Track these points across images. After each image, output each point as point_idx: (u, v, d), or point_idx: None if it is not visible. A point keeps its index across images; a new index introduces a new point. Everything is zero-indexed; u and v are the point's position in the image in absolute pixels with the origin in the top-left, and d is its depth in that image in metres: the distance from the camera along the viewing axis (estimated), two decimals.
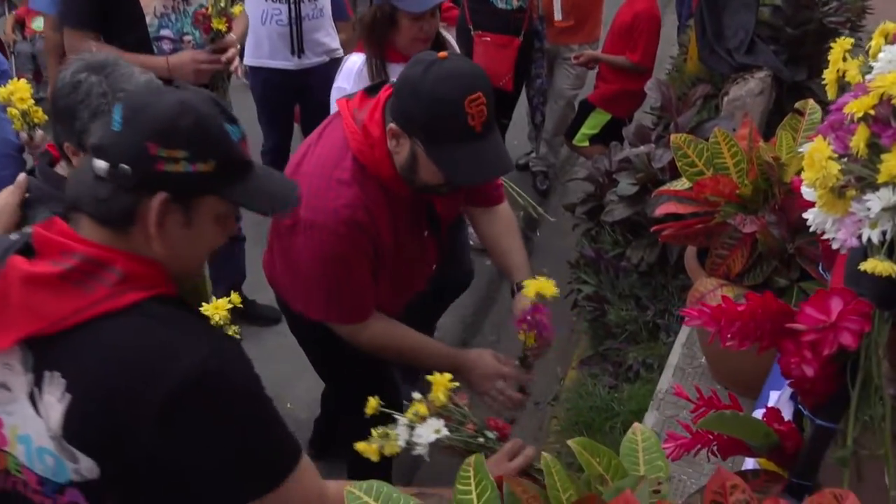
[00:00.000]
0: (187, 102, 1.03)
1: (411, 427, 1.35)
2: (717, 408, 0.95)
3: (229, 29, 2.34)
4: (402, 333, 1.87)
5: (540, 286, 1.70)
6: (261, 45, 3.35)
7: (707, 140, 1.75)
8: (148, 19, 2.28)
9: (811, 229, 0.91)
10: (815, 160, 0.80)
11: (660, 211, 1.77)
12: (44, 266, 0.99)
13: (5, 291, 0.98)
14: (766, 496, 0.93)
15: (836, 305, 0.74)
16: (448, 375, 1.39)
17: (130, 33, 2.28)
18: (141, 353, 1.01)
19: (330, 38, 3.43)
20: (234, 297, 1.52)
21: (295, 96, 3.63)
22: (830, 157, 0.79)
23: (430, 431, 1.33)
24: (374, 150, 1.64)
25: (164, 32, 2.32)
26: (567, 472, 0.85)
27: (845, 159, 0.82)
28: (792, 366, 0.80)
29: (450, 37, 2.31)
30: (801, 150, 1.43)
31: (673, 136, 1.74)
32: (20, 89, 1.84)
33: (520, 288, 1.88)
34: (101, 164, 1.01)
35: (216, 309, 1.47)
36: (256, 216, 1.22)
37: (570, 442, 0.92)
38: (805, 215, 0.91)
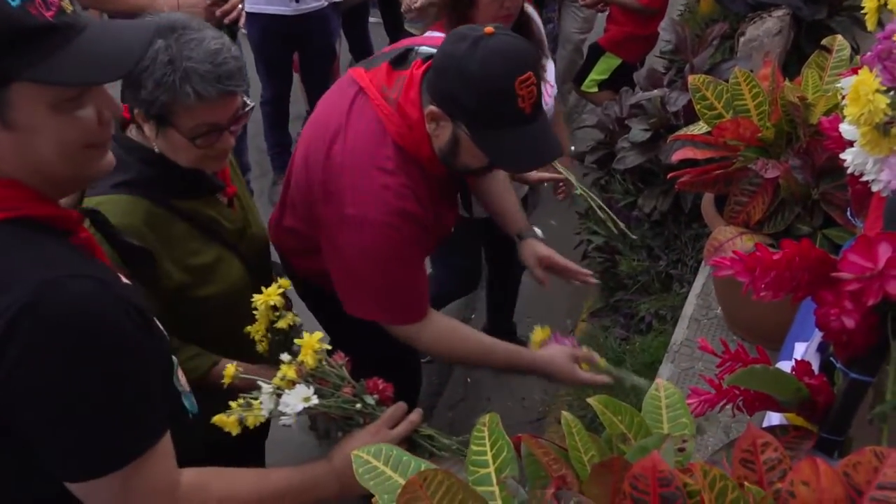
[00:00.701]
0: None
1: (278, 395, 1.21)
2: (745, 362, 0.90)
3: None
4: (467, 335, 1.75)
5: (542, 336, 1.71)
6: None
7: (726, 81, 1.67)
8: None
9: (850, 171, 0.85)
10: (860, 94, 0.73)
11: (676, 157, 1.70)
12: None
13: None
14: (797, 452, 0.89)
15: (885, 251, 0.68)
16: (318, 335, 1.26)
17: None
18: None
19: None
20: (284, 281, 1.40)
21: (293, 44, 3.53)
22: (878, 90, 0.72)
23: (299, 399, 1.19)
24: (413, 132, 1.53)
25: None
26: (588, 433, 0.80)
27: (893, 92, 0.75)
28: (831, 317, 0.74)
29: (534, 12, 2.08)
30: (836, 85, 1.35)
31: (691, 78, 1.66)
32: None
33: (521, 238, 1.97)
34: None
35: (268, 297, 1.34)
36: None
37: (590, 400, 0.87)
38: (843, 155, 0.85)
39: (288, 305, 1.39)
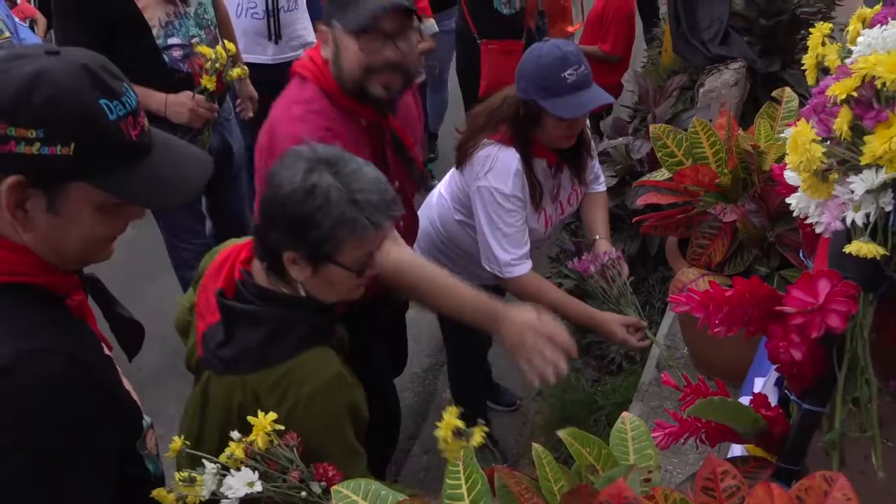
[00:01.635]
0: (45, 74, 0.89)
1: (222, 475, 1.16)
2: (704, 395, 0.95)
3: (218, 90, 2.33)
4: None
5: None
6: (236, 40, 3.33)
7: (685, 130, 1.76)
8: (154, 31, 2.27)
9: (794, 214, 0.91)
10: (798, 143, 0.80)
11: (640, 202, 1.77)
12: None
13: None
14: (755, 481, 0.93)
15: (824, 287, 0.74)
16: (272, 415, 1.20)
17: (136, 45, 2.27)
18: None
19: (306, 31, 3.41)
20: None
21: (270, 91, 3.59)
22: (814, 140, 0.79)
23: (243, 483, 1.14)
24: (322, 69, 1.70)
25: (172, 41, 2.30)
26: (558, 464, 0.84)
27: (828, 142, 0.82)
28: (780, 350, 0.80)
29: (587, 132, 2.10)
30: (782, 135, 1.43)
31: (652, 127, 1.75)
32: None
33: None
34: None
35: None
36: None
37: (560, 432, 0.91)
38: (788, 200, 0.91)
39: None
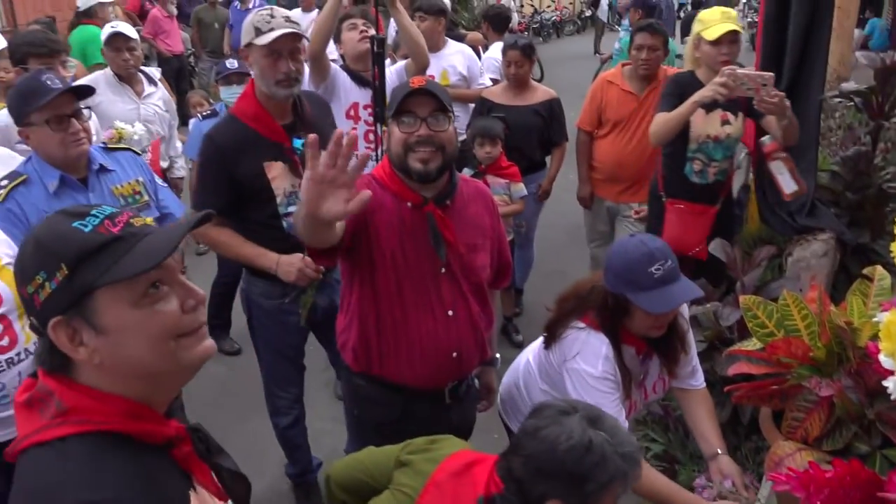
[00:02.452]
0: (35, 234, 1.04)
1: None
2: None
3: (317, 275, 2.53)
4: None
5: None
6: None
7: (775, 301, 1.79)
8: (278, 199, 2.53)
9: (892, 397, 0.94)
10: (891, 332, 0.84)
11: (732, 371, 1.78)
12: (21, 393, 1.06)
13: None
14: None
15: None
16: None
17: (262, 212, 2.55)
18: (41, 484, 0.98)
19: None
20: None
21: None
22: None
23: None
24: (382, 164, 2.07)
25: (292, 209, 2.52)
26: None
27: None
28: None
29: (684, 313, 2.21)
30: (876, 318, 1.45)
31: (742, 298, 1.79)
32: None
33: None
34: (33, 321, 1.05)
35: None
36: None
37: None
38: (885, 383, 0.94)
39: None
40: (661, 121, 3.14)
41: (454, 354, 2.13)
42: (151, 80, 4.27)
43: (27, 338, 2.10)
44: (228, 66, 4.27)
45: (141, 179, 2.62)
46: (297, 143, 2.52)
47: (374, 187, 2.04)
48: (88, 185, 2.46)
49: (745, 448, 2.50)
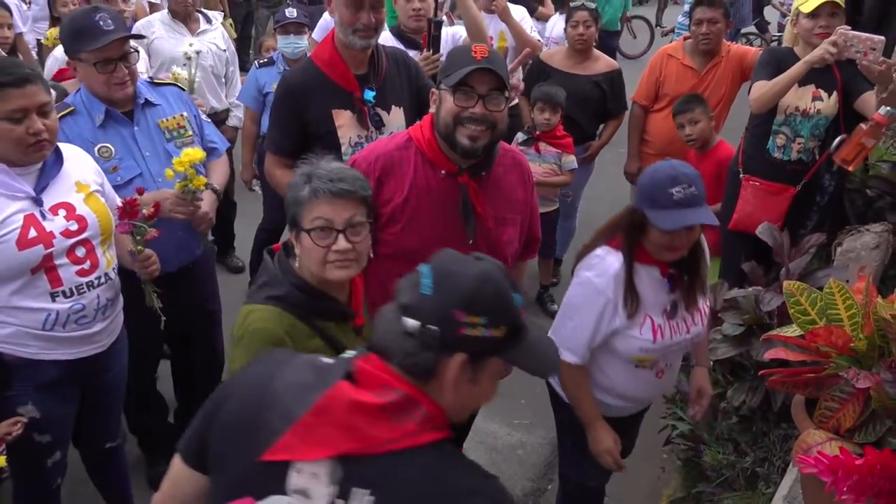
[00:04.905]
0: (488, 273, 1.19)
1: None
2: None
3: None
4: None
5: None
6: None
7: (820, 289, 1.76)
8: (343, 148, 2.55)
9: None
10: None
11: (769, 356, 1.76)
12: (368, 396, 1.15)
13: (330, 409, 1.14)
14: None
15: None
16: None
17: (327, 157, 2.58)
18: (439, 487, 1.14)
19: None
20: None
21: None
22: None
23: None
24: (422, 127, 2.10)
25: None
26: None
27: None
28: None
29: (705, 243, 2.21)
30: None
31: (786, 283, 1.76)
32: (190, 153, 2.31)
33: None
34: (411, 323, 1.17)
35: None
36: None
37: None
38: None
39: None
40: (767, 86, 3.06)
41: None
42: (208, 19, 4.31)
43: (108, 262, 2.19)
44: (287, 14, 4.27)
45: (185, 114, 2.65)
46: (368, 94, 2.54)
47: (408, 148, 2.09)
48: (134, 118, 2.51)
49: (774, 435, 2.49)
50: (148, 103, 2.56)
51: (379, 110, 2.56)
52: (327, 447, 1.12)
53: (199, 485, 1.31)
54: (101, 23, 2.35)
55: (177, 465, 1.34)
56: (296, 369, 1.24)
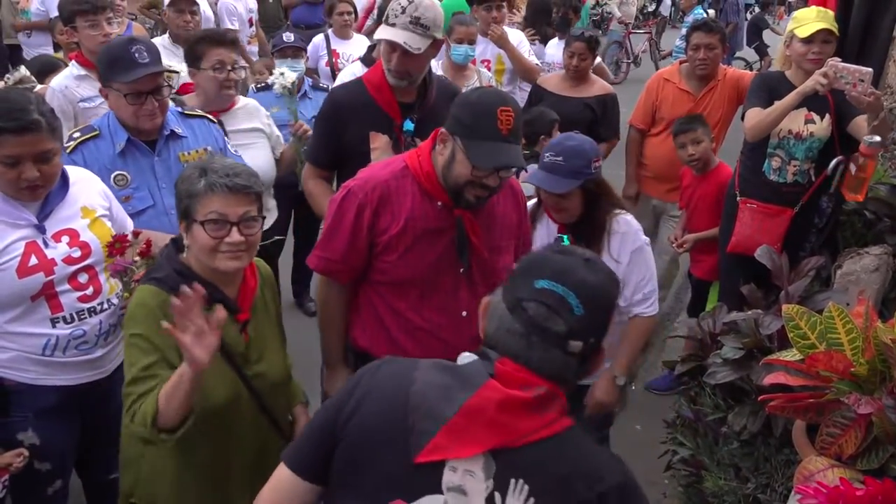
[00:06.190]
0: (599, 265, 1.30)
1: None
2: None
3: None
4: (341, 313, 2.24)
5: None
6: None
7: (820, 313, 1.74)
8: None
9: None
10: None
11: (768, 380, 1.75)
12: (517, 392, 1.21)
13: (482, 408, 1.20)
14: None
15: None
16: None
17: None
18: (584, 466, 1.24)
19: None
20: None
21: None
22: None
23: None
24: (420, 158, 2.08)
25: None
26: None
27: None
28: None
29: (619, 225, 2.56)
30: None
31: (785, 307, 1.75)
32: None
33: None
34: (576, 344, 1.24)
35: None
36: None
37: None
38: None
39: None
40: (761, 115, 3.09)
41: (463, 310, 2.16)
42: None
43: (111, 289, 2.17)
44: (285, 39, 4.30)
45: (209, 148, 2.65)
46: (408, 124, 2.61)
47: (405, 177, 2.09)
48: (156, 149, 2.51)
49: (776, 460, 2.44)
50: (174, 135, 2.56)
51: (417, 140, 2.58)
52: (478, 444, 1.18)
53: (310, 497, 1.34)
54: (136, 55, 2.37)
55: (287, 479, 1.34)
56: (429, 371, 1.29)
